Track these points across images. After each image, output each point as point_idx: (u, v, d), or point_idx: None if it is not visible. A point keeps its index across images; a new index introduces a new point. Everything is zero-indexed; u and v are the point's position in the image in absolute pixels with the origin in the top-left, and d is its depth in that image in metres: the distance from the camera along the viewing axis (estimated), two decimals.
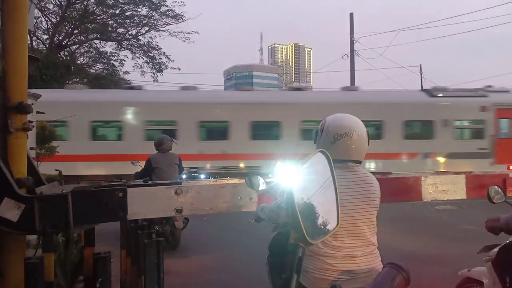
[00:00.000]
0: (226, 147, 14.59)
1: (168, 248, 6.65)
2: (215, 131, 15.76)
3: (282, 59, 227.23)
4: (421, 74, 32.26)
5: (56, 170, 8.29)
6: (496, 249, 3.01)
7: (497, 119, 15.73)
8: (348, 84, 23.44)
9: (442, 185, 3.41)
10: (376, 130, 14.81)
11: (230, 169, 11.34)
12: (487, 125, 15.54)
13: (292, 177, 1.10)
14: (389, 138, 15.19)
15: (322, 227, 1.15)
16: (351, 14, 25.04)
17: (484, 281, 3.15)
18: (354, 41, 24.83)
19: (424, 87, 27.41)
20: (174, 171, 7.38)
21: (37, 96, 6.93)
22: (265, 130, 15.51)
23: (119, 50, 26.76)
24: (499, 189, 3.01)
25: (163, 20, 25.75)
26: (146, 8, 25.32)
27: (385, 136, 15.23)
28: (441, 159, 15.19)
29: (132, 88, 17.41)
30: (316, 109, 13.98)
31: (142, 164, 7.70)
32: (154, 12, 25.51)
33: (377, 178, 2.40)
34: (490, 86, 17.42)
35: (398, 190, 3.38)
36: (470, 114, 15.79)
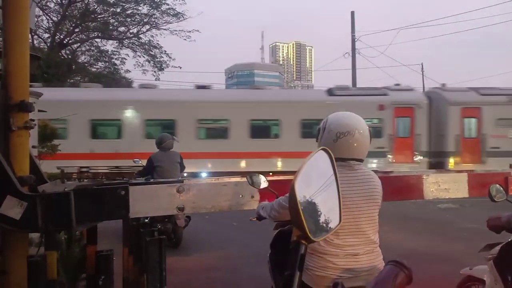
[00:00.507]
0: (118, 146, 14.82)
1: (170, 246, 6.66)
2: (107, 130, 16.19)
3: (283, 57, 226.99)
4: (422, 72, 32.24)
5: (58, 168, 8.30)
6: (497, 248, 3.01)
7: (395, 117, 15.69)
8: (350, 82, 23.44)
9: (444, 183, 3.41)
10: (267, 130, 14.82)
11: (122, 168, 11.40)
12: (385, 124, 15.47)
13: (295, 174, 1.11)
14: (286, 137, 15.12)
15: (325, 224, 1.15)
16: (352, 13, 25.02)
17: (485, 280, 3.14)
18: (356, 40, 24.81)
19: (425, 86, 27.38)
20: (175, 170, 7.38)
21: (38, 95, 6.93)
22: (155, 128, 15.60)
23: (120, 48, 26.81)
24: (501, 188, 3.01)
25: (164, 19, 25.77)
26: (147, 6, 25.33)
27: (282, 135, 15.16)
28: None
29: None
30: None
31: (143, 162, 7.71)
32: (155, 11, 25.51)
33: (379, 177, 2.40)
34: (398, 85, 17.36)
35: (400, 189, 3.38)
36: (368, 113, 15.38)
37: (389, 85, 17.27)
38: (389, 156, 15.27)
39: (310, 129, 15.55)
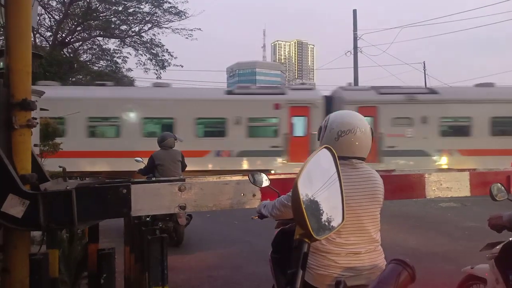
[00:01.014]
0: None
1: (171, 245, 6.67)
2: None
3: (285, 56, 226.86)
4: (424, 71, 32.18)
5: (59, 166, 8.30)
6: (499, 247, 3.01)
7: (291, 117, 15.52)
8: (352, 81, 23.39)
9: (446, 182, 3.40)
10: (167, 128, 14.37)
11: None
12: (281, 123, 15.32)
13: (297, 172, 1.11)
14: (181, 136, 14.79)
15: (327, 223, 1.14)
16: (355, 11, 24.95)
17: (487, 278, 3.14)
18: (358, 38, 24.75)
19: (428, 84, 27.34)
20: (177, 168, 7.39)
21: (40, 93, 6.94)
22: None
23: (122, 47, 26.81)
24: (502, 187, 3.00)
25: (166, 17, 25.74)
26: (149, 5, 25.31)
27: (176, 133, 14.81)
28: (233, 157, 15.00)
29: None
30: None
31: (145, 161, 7.72)
32: (157, 9, 25.50)
33: (380, 175, 2.40)
34: (304, 84, 17.29)
35: (402, 187, 3.38)
36: (263, 112, 15.59)
37: (294, 84, 17.38)
38: (284, 155, 15.10)
39: (208, 128, 15.68)
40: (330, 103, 15.83)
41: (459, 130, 15.53)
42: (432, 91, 16.58)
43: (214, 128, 15.78)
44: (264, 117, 15.72)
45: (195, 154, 13.61)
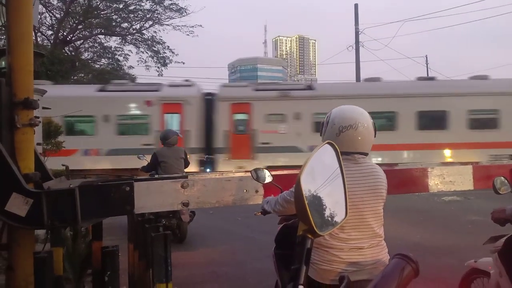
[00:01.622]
0: None
1: (174, 241, 6.69)
2: None
3: (286, 51, 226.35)
4: (427, 64, 32.06)
5: (63, 165, 8.32)
6: (502, 240, 3.01)
7: (164, 113, 15.35)
8: (354, 75, 23.34)
9: (449, 176, 3.40)
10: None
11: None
12: (153, 120, 15.10)
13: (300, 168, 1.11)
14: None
15: (330, 218, 1.14)
16: (356, 5, 24.86)
17: (490, 272, 3.14)
18: (359, 32, 24.67)
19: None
20: (180, 165, 7.40)
21: (42, 92, 6.95)
22: None
23: (124, 44, 26.82)
24: (505, 180, 2.99)
25: (166, 14, 25.72)
26: (149, 2, 25.29)
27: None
28: (102, 156, 14.80)
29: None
30: None
31: (148, 158, 7.74)
32: (158, 6, 25.47)
33: (383, 170, 2.39)
34: (187, 80, 17.06)
35: (405, 182, 3.37)
36: (134, 109, 15.48)
37: (175, 81, 17.28)
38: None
39: (77, 126, 15.39)
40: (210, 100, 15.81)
41: None
42: (309, 88, 16.56)
43: (83, 127, 15.61)
44: (134, 114, 15.55)
45: (61, 153, 12.46)
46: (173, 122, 15.48)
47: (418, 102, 15.38)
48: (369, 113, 2.35)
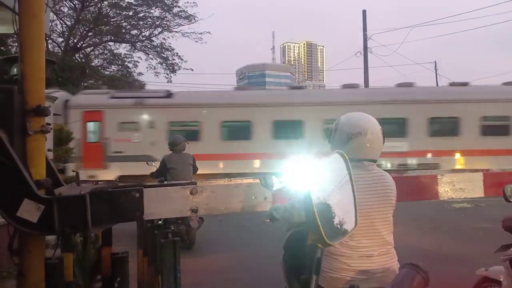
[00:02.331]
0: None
1: (183, 248, 6.69)
2: None
3: (294, 57, 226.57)
4: (436, 70, 31.90)
5: (73, 171, 8.40)
6: None
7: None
8: (362, 81, 23.28)
9: (459, 183, 3.37)
10: None
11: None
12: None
13: (309, 177, 1.11)
14: None
15: (340, 227, 1.14)
16: (364, 11, 24.88)
17: (501, 281, 3.10)
18: (368, 38, 24.64)
19: (439, 84, 27.08)
20: (188, 171, 7.43)
21: (53, 99, 7.04)
22: None
23: (133, 51, 27.10)
24: None
25: (175, 21, 25.97)
26: (159, 9, 25.52)
27: None
28: None
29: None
30: None
31: (157, 164, 7.77)
32: (167, 13, 25.70)
33: (393, 177, 2.38)
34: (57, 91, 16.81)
35: (415, 189, 3.35)
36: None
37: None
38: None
39: None
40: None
41: (191, 134, 14.64)
42: (167, 95, 16.14)
43: None
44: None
45: None
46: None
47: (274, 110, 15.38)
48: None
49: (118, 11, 25.24)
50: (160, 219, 4.72)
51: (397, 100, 15.61)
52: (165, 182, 6.31)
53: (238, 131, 15.95)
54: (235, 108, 15.62)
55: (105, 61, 28.28)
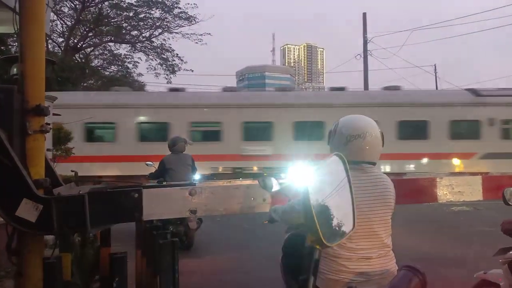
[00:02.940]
0: None
1: (182, 249, 6.68)
2: None
3: (294, 59, 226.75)
4: (435, 73, 31.93)
5: (72, 171, 8.39)
6: None
7: None
8: (362, 84, 23.31)
9: (458, 186, 3.37)
10: None
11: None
12: None
13: (307, 178, 1.11)
14: None
15: (338, 229, 1.15)
16: (364, 14, 24.90)
17: (500, 284, 3.10)
18: (368, 41, 24.67)
19: (439, 87, 27.12)
20: (187, 172, 7.42)
21: (53, 99, 7.03)
22: None
23: (133, 52, 27.11)
24: None
25: (176, 22, 25.98)
26: (159, 10, 25.54)
27: None
28: None
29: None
30: None
31: (156, 165, 7.77)
32: (167, 14, 25.72)
33: (392, 180, 2.38)
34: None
35: (413, 192, 3.35)
36: None
37: None
38: None
39: None
40: None
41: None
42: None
43: None
44: None
45: None
46: None
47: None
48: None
49: (118, 12, 25.25)
50: (158, 220, 4.72)
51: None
52: (164, 183, 6.31)
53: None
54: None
55: (105, 62, 28.31)
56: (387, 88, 17.01)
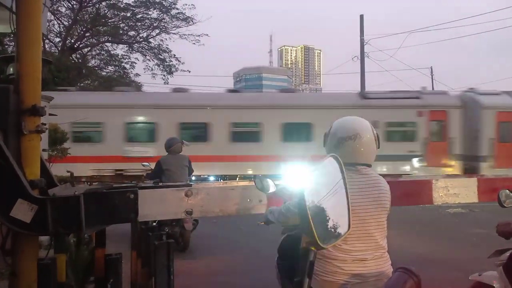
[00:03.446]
0: None
1: (177, 250, 6.67)
2: None
3: (291, 61, 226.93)
4: (432, 76, 32.05)
5: (67, 171, 8.37)
6: (507, 254, 2.98)
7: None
8: (359, 86, 23.36)
9: (454, 188, 3.38)
10: None
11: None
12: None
13: (303, 180, 1.11)
14: None
15: (334, 231, 1.15)
16: (362, 16, 24.95)
17: (495, 286, 3.11)
18: (365, 43, 24.73)
19: (435, 89, 27.25)
20: (184, 173, 7.41)
21: (49, 99, 7.01)
22: None
23: (130, 52, 27.05)
24: (511, 193, 2.98)
25: (173, 23, 25.96)
26: (157, 11, 25.52)
27: None
28: None
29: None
30: None
31: (152, 165, 7.75)
32: (165, 15, 25.70)
33: (387, 181, 2.39)
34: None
35: (409, 193, 3.37)
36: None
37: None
38: None
39: None
40: None
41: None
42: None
43: None
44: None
45: None
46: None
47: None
48: None
49: (116, 12, 25.20)
50: (154, 221, 4.71)
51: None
52: (160, 184, 6.30)
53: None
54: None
55: (102, 62, 28.23)
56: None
